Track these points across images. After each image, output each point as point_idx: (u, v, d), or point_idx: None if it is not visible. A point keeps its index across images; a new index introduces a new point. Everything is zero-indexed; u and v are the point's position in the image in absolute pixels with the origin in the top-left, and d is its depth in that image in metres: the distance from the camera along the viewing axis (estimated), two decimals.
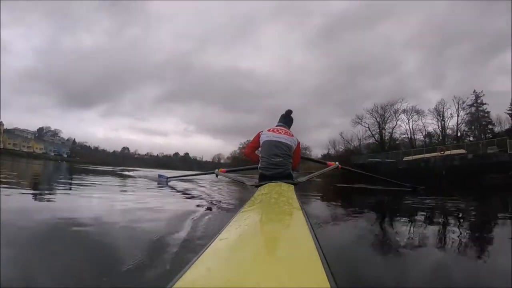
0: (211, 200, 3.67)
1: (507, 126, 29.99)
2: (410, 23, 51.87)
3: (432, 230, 2.14)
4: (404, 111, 37.30)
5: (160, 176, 6.93)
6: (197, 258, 0.52)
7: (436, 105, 36.14)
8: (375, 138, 39.64)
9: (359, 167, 23.04)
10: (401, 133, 38.58)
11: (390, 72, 51.81)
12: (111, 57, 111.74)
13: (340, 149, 41.43)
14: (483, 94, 33.29)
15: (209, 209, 2.89)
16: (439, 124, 35.91)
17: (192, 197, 4.16)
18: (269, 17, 64.84)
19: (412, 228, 2.16)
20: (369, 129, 39.71)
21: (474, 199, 5.27)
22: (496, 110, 32.54)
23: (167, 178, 6.42)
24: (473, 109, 33.78)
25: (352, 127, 41.12)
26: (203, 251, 0.56)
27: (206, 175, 6.32)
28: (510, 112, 29.97)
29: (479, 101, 33.37)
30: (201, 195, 4.17)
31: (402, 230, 2.10)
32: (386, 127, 38.67)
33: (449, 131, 35.70)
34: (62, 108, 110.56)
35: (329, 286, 0.40)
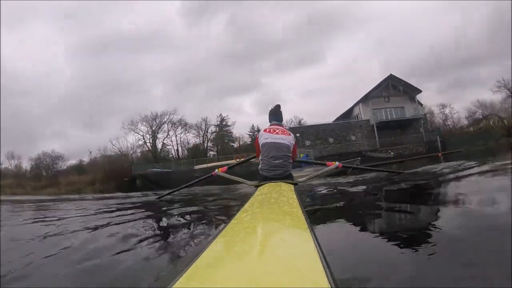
0: None
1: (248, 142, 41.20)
2: (166, 61, 59.57)
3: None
4: (173, 124, 39.12)
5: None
6: (197, 258, 0.52)
7: (197, 123, 40.21)
8: (148, 147, 38.47)
9: (143, 177, 23.31)
10: (166, 144, 40.29)
11: (140, 95, 55.40)
12: None
13: (113, 157, 35.99)
14: (228, 118, 41.99)
15: None
16: (201, 139, 40.54)
17: None
18: (48, 14, 61.39)
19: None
20: (143, 138, 37.88)
21: None
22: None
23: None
24: (217, 128, 41.22)
25: (125, 135, 39.04)
26: (203, 251, 0.56)
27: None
28: (250, 133, 42.18)
29: (224, 123, 41.85)
30: None
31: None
32: (159, 136, 39.24)
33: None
34: None
35: (328, 286, 0.39)
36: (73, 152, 51.50)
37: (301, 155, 12.31)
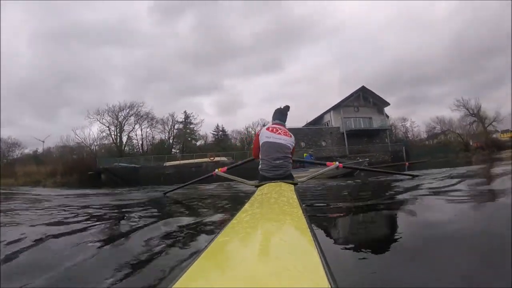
0: None
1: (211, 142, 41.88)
2: (133, 55, 59.75)
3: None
4: (140, 117, 37.74)
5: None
6: (197, 258, 0.51)
7: (163, 118, 39.48)
8: (113, 139, 36.18)
9: (109, 172, 22.29)
10: (132, 138, 38.76)
11: (100, 88, 54.28)
12: None
13: (73, 148, 33.88)
14: (193, 116, 41.05)
15: None
16: (166, 134, 39.73)
17: None
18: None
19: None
20: (109, 129, 35.86)
21: None
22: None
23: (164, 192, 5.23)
24: (181, 125, 40.38)
25: (89, 124, 36.65)
26: (203, 251, 0.55)
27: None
28: (214, 133, 42.41)
29: (187, 120, 40.81)
30: None
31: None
32: (125, 128, 37.17)
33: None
34: None
35: (328, 286, 0.40)
36: (26, 142, 47.56)
37: (305, 154, 12.33)
